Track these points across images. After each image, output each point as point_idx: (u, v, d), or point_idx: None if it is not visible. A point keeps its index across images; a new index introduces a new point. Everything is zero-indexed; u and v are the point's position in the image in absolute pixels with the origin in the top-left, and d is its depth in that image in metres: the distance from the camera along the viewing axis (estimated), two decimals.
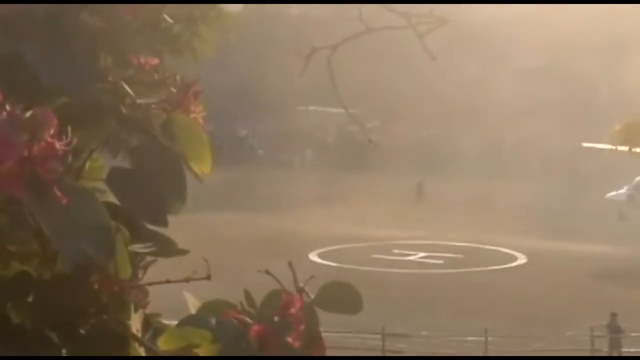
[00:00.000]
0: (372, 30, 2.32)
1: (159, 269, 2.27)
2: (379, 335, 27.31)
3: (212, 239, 41.40)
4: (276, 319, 1.97)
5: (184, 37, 2.80)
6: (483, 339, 27.48)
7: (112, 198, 2.22)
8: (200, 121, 2.37)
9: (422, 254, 41.97)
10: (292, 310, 1.94)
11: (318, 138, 70.89)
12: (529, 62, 67.89)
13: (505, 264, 41.02)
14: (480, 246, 43.08)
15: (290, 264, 1.85)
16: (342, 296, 2.10)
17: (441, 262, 40.81)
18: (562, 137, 63.21)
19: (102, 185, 2.24)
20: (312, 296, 2.06)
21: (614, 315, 27.41)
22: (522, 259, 41.97)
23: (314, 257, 41.51)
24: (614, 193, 48.17)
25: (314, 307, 2.03)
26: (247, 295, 2.04)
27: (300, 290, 1.94)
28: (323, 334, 2.03)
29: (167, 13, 2.68)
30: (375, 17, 2.64)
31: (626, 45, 64.70)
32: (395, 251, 42.37)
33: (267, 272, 1.89)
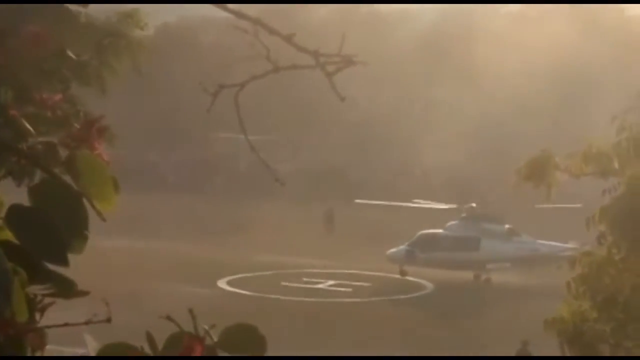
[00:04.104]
0: (280, 69, 2.31)
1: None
2: None
3: (121, 265, 40.89)
4: None
5: (92, 66, 2.74)
6: None
7: (11, 235, 2.16)
8: (105, 157, 2.33)
9: (331, 282, 42.03)
10: (194, 354, 1.91)
11: (229, 165, 70.66)
12: (439, 94, 68.82)
13: (412, 292, 41.32)
14: (389, 275, 43.32)
15: (191, 311, 1.82)
16: (245, 338, 2.07)
17: (350, 290, 40.92)
18: (470, 166, 64.04)
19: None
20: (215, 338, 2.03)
21: (524, 343, 27.39)
22: (429, 288, 42.32)
23: (222, 284, 41.26)
24: (394, 250, 43.87)
25: (217, 350, 2.00)
26: (149, 337, 2.00)
27: (204, 334, 1.91)
28: None
29: (76, 42, 2.63)
30: (284, 55, 2.63)
31: (537, 78, 66.02)
32: (305, 279, 42.36)
33: (168, 317, 1.85)
